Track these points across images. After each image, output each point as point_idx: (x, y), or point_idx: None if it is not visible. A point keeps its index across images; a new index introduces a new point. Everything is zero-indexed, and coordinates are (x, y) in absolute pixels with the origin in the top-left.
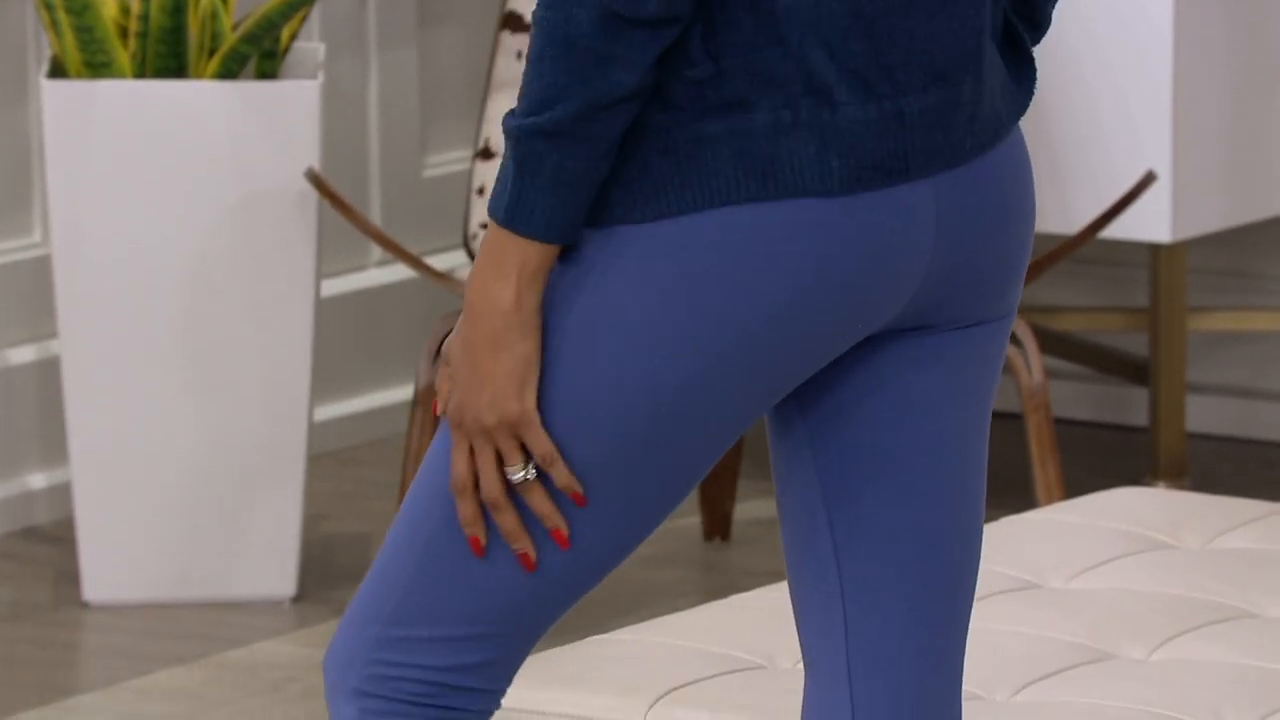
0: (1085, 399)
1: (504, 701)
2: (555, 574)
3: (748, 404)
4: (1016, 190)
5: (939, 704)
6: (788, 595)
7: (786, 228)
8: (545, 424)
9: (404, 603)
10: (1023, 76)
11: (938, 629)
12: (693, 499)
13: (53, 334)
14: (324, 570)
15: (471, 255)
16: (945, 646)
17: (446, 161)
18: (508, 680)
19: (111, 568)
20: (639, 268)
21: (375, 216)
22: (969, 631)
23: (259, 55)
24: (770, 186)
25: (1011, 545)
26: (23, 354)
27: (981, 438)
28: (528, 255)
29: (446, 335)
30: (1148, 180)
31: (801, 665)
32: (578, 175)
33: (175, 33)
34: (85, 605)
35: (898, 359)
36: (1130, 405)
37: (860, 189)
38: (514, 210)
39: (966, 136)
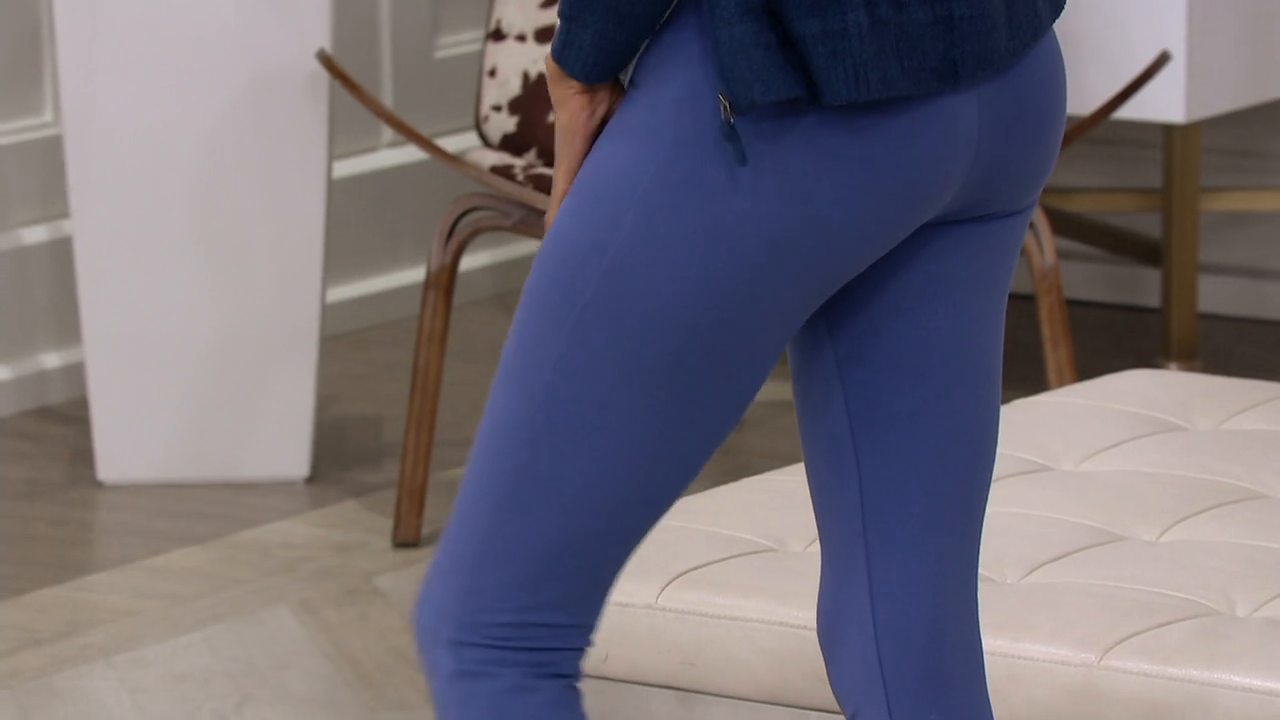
0: (1097, 280)
1: None
2: (622, 502)
3: (807, 296)
4: (1053, 89)
5: (955, 587)
6: (799, 478)
7: (853, 128)
8: (623, 304)
9: (484, 548)
10: None
11: (954, 513)
12: None
13: (65, 214)
14: (337, 451)
15: (483, 137)
16: (962, 530)
17: (458, 43)
18: (593, 615)
19: (125, 447)
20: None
21: (387, 98)
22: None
23: None
24: (859, 87)
25: (1023, 428)
26: (35, 234)
27: (998, 326)
28: (575, 91)
29: (459, 217)
30: (1162, 60)
31: (814, 548)
32: (622, 20)
33: None
34: (99, 484)
35: (920, 248)
36: (1142, 286)
37: (916, 91)
38: (563, 51)
39: (1009, 39)
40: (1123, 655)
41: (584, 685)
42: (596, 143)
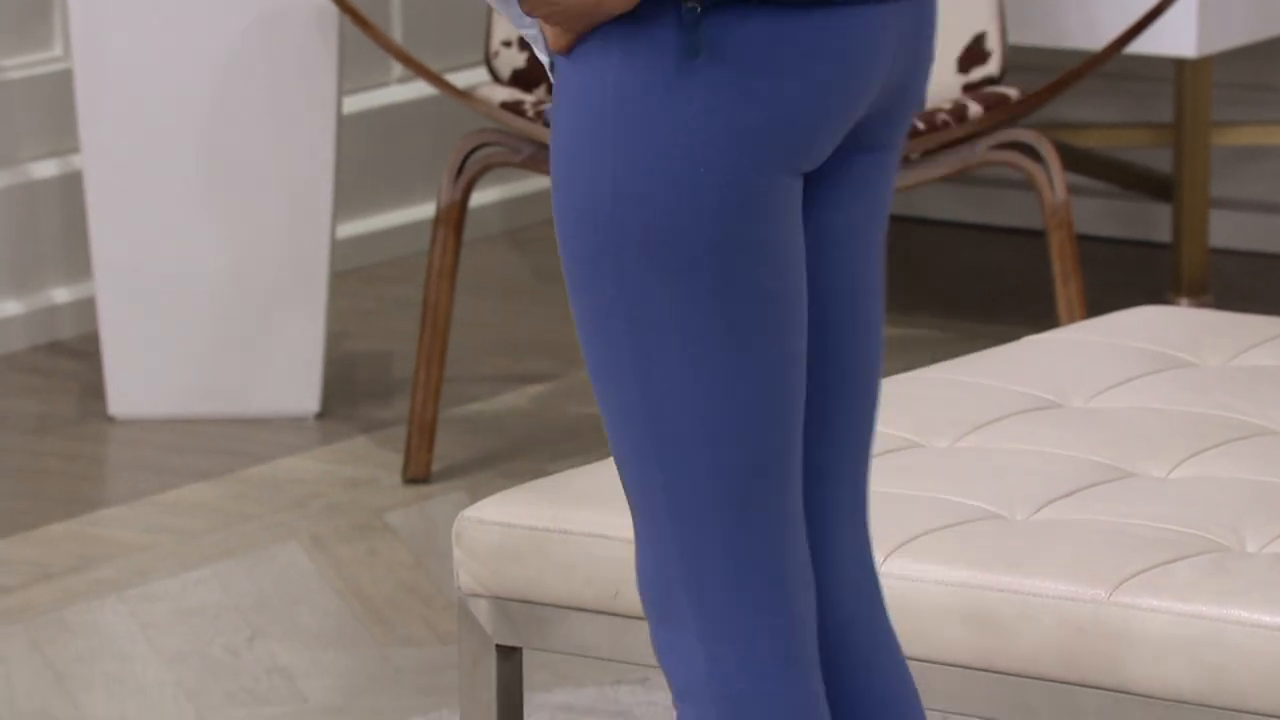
0: (1108, 215)
1: (529, 521)
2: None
3: (791, 180)
4: (934, 22)
5: (844, 535)
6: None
7: (800, 20)
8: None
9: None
10: None
11: (844, 463)
12: None
13: (75, 148)
14: (347, 387)
15: (493, 73)
16: (851, 478)
17: None
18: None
19: (136, 382)
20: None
21: (396, 33)
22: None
23: None
24: None
25: (1032, 364)
26: (45, 168)
27: (877, 267)
28: None
29: (469, 152)
30: None
31: None
32: None
33: None
34: (110, 419)
35: (808, 203)
36: (1153, 221)
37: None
38: None
39: None
40: (1132, 591)
41: (595, 621)
42: (555, 121)
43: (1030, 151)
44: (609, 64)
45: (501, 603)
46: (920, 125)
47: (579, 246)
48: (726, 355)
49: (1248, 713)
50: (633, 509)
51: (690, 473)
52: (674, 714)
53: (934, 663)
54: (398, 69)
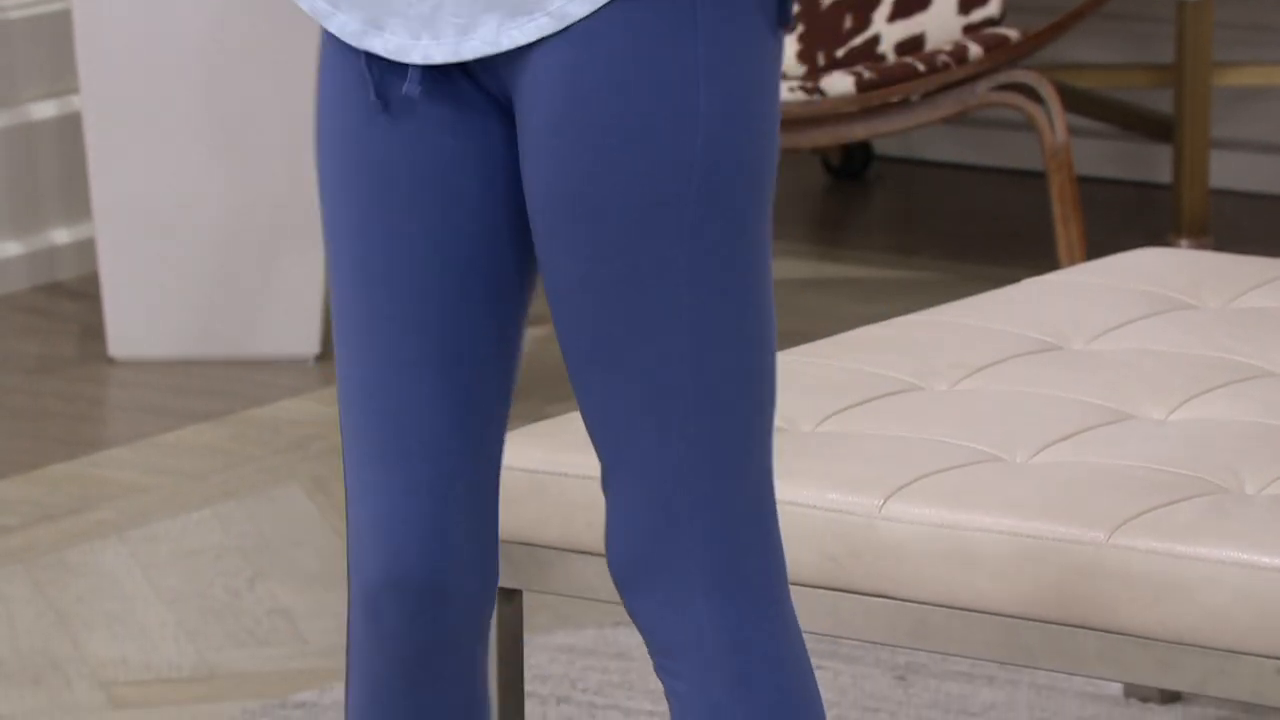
0: (1109, 156)
1: (525, 463)
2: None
3: None
4: None
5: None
6: (810, 357)
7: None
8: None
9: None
10: None
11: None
12: None
13: (74, 89)
14: None
15: None
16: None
17: None
18: None
19: (136, 323)
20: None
21: None
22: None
23: None
24: None
25: (1032, 307)
26: (44, 109)
27: None
28: None
29: None
30: None
31: (823, 427)
32: None
33: None
34: (111, 360)
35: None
36: (1154, 162)
37: None
38: None
39: None
40: (1132, 533)
41: (595, 564)
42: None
43: (1031, 93)
44: (699, 18)
45: (502, 545)
46: (920, 67)
47: (656, 192)
48: (767, 315)
49: (1247, 654)
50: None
51: (770, 410)
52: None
53: (934, 605)
54: None
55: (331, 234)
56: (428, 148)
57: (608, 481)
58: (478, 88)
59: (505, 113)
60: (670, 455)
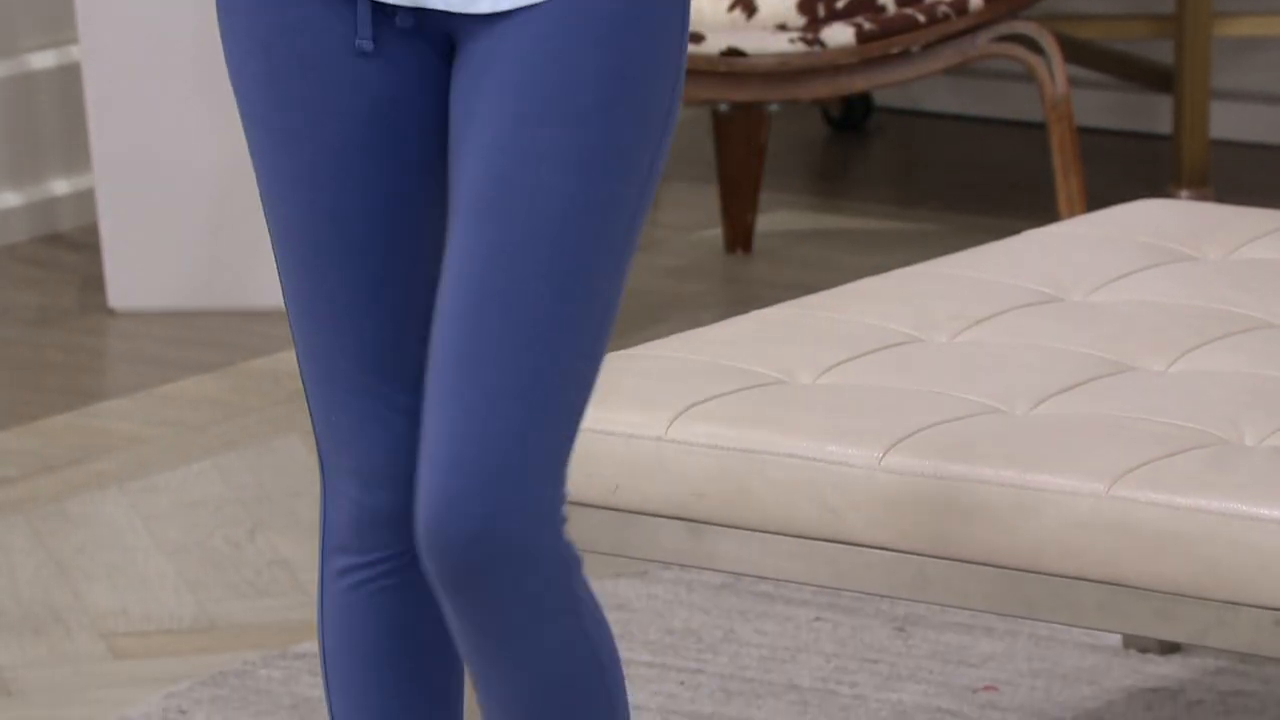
0: (1109, 107)
1: None
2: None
3: None
4: None
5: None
6: (808, 310)
7: None
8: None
9: (569, 427)
10: None
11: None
12: (714, 210)
13: (73, 39)
14: None
15: None
16: None
17: None
18: None
19: (136, 274)
20: None
21: None
22: None
23: None
24: None
25: (1032, 258)
26: (43, 59)
27: None
28: None
29: None
30: None
31: (823, 379)
32: None
33: None
34: (111, 311)
35: None
36: (1154, 113)
37: None
38: None
39: None
40: (1131, 485)
41: (595, 516)
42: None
43: (1031, 44)
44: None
45: None
46: (921, 18)
47: (636, 136)
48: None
49: (1246, 605)
50: (559, 374)
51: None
52: (664, 606)
53: (934, 557)
54: None
55: (274, 175)
56: (388, 85)
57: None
58: (425, 25)
59: (445, 50)
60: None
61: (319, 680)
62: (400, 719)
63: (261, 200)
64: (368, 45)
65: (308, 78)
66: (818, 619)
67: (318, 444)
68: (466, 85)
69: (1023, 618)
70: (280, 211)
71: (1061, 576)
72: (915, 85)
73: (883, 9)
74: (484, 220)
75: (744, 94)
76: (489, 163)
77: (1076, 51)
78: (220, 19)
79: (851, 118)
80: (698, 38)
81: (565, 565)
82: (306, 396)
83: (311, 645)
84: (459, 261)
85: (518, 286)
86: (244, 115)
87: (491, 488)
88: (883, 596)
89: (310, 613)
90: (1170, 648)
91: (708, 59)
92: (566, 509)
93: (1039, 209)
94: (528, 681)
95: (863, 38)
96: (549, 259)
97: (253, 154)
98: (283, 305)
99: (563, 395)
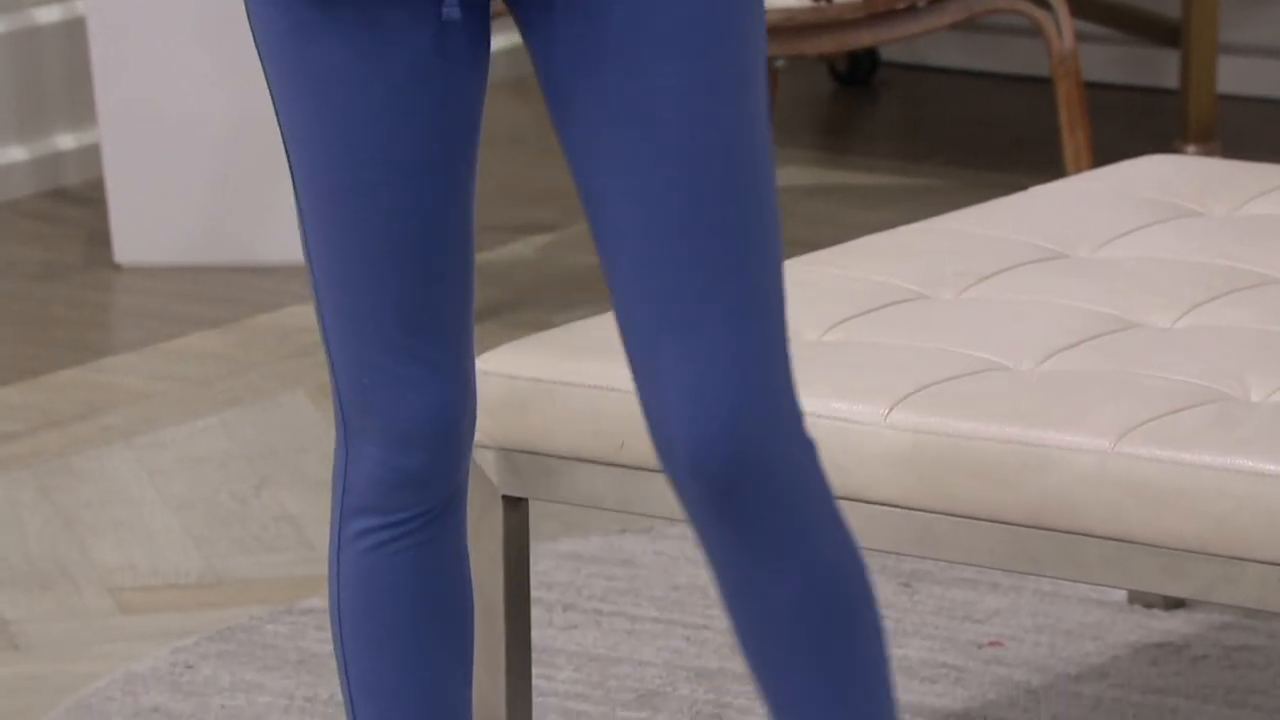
0: (1115, 62)
1: (536, 372)
2: None
3: None
4: None
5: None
6: (814, 265)
7: None
8: None
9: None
10: None
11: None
12: None
13: None
14: None
15: None
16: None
17: None
18: None
19: (142, 230)
20: None
21: None
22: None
23: None
24: None
25: (1038, 214)
26: (48, 13)
27: None
28: None
29: None
30: None
31: (829, 336)
32: None
33: None
34: (116, 266)
35: None
36: (1161, 67)
37: None
38: None
39: None
40: (1136, 441)
41: (601, 472)
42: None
43: None
44: None
45: (508, 454)
46: None
47: (748, 62)
48: None
49: (1251, 561)
50: (768, 288)
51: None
52: (670, 563)
53: (939, 513)
54: None
55: (312, 134)
56: (441, 43)
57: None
58: None
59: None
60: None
61: (325, 636)
62: (418, 679)
63: (294, 162)
64: (455, 14)
65: (363, 39)
66: None
67: (339, 407)
68: (571, 34)
69: (1028, 574)
70: (321, 170)
71: (1067, 532)
72: (921, 40)
73: None
74: (653, 163)
75: None
76: (635, 105)
77: (1083, 6)
78: None
79: (858, 73)
80: None
81: (818, 465)
82: (330, 358)
83: (318, 601)
84: (637, 205)
85: (709, 213)
86: (280, 70)
87: (749, 405)
88: (888, 553)
89: (316, 568)
90: (1175, 603)
91: None
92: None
93: (1045, 164)
94: (800, 588)
95: None
96: (729, 182)
97: (288, 109)
98: (290, 260)
99: (776, 305)
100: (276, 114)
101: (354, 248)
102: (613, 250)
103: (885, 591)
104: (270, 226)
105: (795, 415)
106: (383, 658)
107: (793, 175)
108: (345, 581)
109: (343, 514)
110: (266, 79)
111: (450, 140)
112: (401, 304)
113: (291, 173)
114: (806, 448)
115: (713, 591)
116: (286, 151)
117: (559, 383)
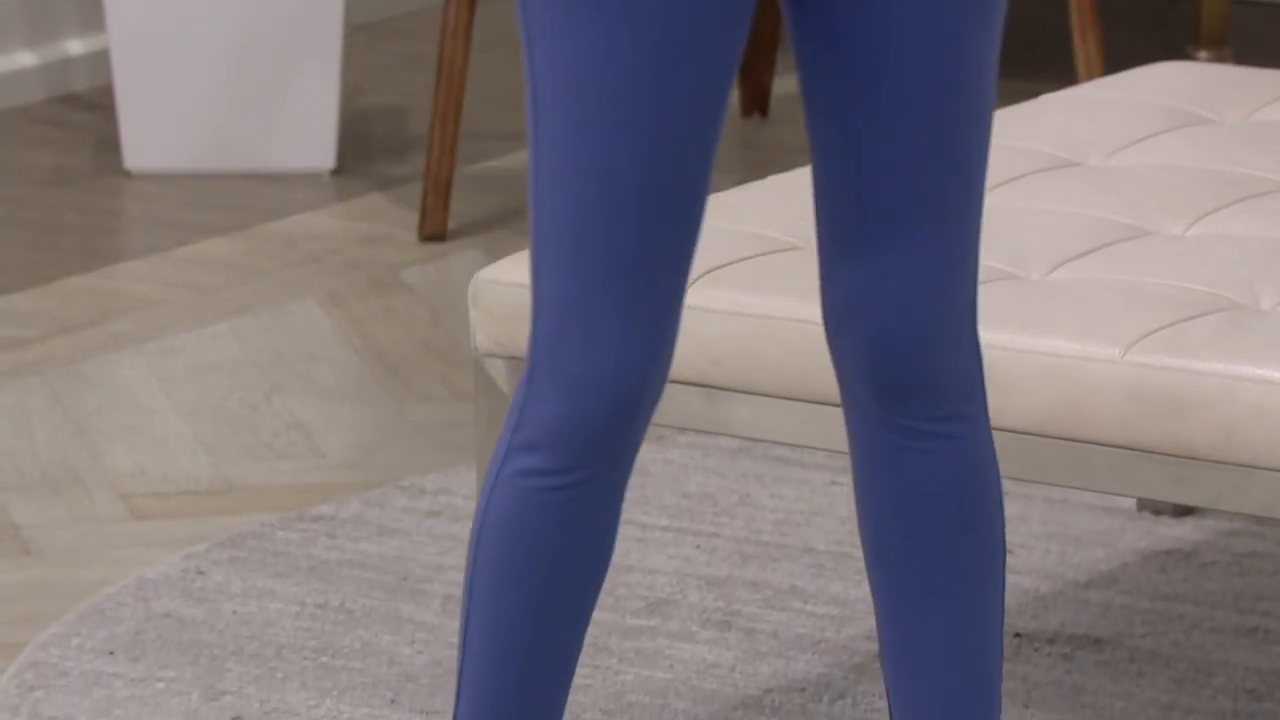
0: None
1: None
2: None
3: None
4: None
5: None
6: (806, 173)
7: None
8: None
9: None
10: None
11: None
12: None
13: None
14: (362, 143)
15: None
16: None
17: None
18: None
19: (152, 136)
20: None
21: None
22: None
23: None
24: None
25: (1050, 122)
26: None
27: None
28: None
29: None
30: None
31: None
32: None
33: None
34: (126, 173)
35: None
36: None
37: None
38: None
39: None
40: (1147, 350)
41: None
42: None
43: None
44: None
45: (517, 363)
46: None
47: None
48: None
49: (1261, 469)
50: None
51: None
52: (680, 471)
53: None
54: None
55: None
56: None
57: (895, 246)
58: None
59: None
60: (971, 205)
61: (336, 543)
62: (539, 624)
63: (550, 97)
64: None
65: None
66: (833, 483)
67: (533, 344)
68: None
69: (1037, 482)
70: (582, 104)
71: (1076, 441)
72: None
73: None
74: (926, 108)
75: None
76: (927, 58)
77: None
78: None
79: None
80: None
81: (981, 373)
82: (535, 290)
83: (328, 508)
84: (896, 120)
85: (955, 133)
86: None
87: (951, 309)
88: None
89: (326, 476)
90: (1184, 510)
91: None
92: None
93: (1057, 71)
94: (948, 469)
95: None
96: (976, 104)
97: (555, 43)
98: (300, 168)
99: (978, 229)
100: (528, 49)
101: (598, 183)
102: (853, 160)
103: None
104: (280, 133)
105: (975, 324)
106: (510, 595)
107: (790, 84)
108: (493, 514)
109: (508, 449)
110: (523, 17)
111: (720, 79)
112: (627, 250)
113: (534, 108)
114: (978, 354)
115: (722, 500)
116: (533, 94)
117: None
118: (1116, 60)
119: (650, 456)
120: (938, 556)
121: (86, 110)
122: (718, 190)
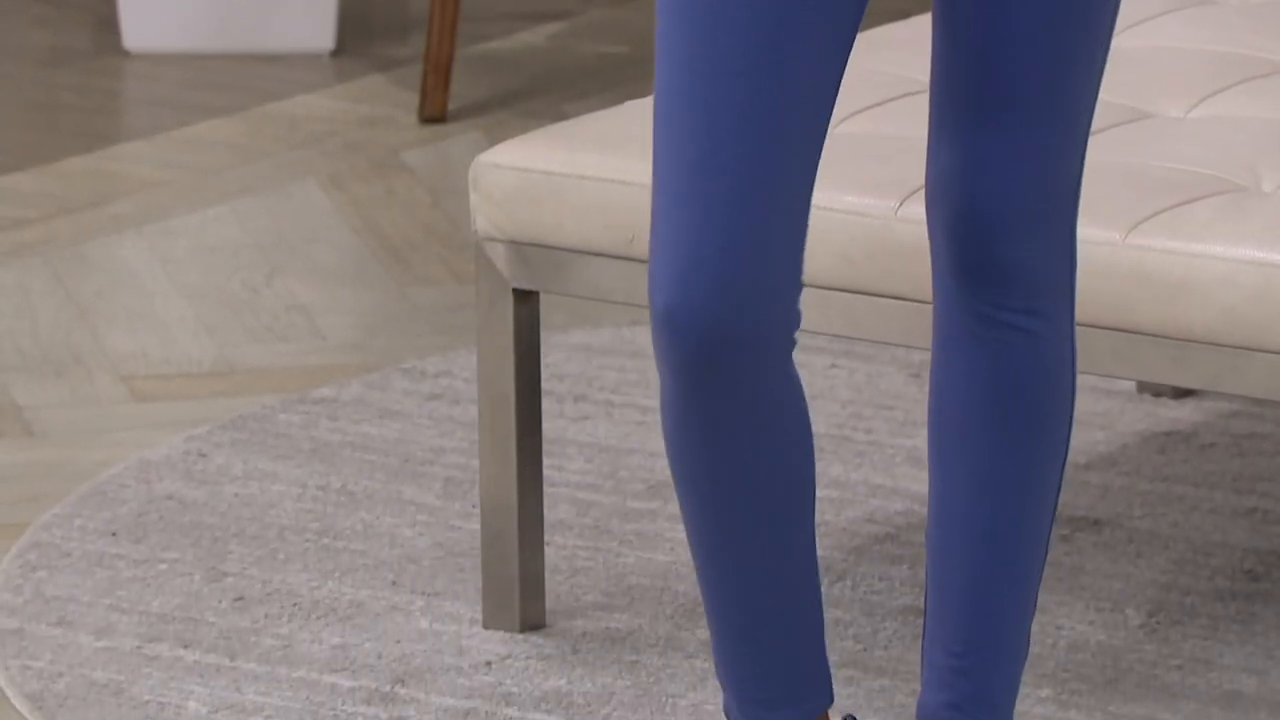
0: None
1: (546, 165)
2: None
3: None
4: None
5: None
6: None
7: None
8: None
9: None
10: None
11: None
12: None
13: None
14: (362, 25)
15: None
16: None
17: None
18: None
19: (150, 15)
20: None
21: None
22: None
23: None
24: None
25: None
26: None
27: None
28: None
29: None
30: None
31: (838, 130)
32: None
33: None
34: (125, 53)
35: None
36: None
37: None
38: None
39: None
40: (1148, 233)
41: (611, 266)
42: None
43: None
44: None
45: (518, 247)
46: None
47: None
48: None
49: (1260, 351)
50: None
51: None
52: None
53: None
54: None
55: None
56: None
57: (990, 131)
58: None
59: None
60: (1080, 101)
61: (337, 425)
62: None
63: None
64: None
65: None
66: (834, 366)
67: (656, 230)
68: None
69: None
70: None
71: (1077, 324)
72: None
73: None
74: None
75: None
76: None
77: None
78: None
79: None
80: None
81: (1075, 259)
82: (657, 188)
83: (329, 391)
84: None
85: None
86: None
87: (1055, 189)
88: (898, 345)
89: (327, 358)
90: (1183, 392)
91: None
92: None
93: None
94: (1021, 354)
95: None
96: (1096, 28)
97: None
98: (300, 49)
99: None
100: None
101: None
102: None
103: (896, 382)
104: (281, 14)
105: (1070, 225)
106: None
107: None
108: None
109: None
110: None
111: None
112: (744, 135)
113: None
114: (1071, 256)
115: None
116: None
117: (570, 175)
118: None
119: (650, 339)
120: (993, 450)
121: None
122: None
